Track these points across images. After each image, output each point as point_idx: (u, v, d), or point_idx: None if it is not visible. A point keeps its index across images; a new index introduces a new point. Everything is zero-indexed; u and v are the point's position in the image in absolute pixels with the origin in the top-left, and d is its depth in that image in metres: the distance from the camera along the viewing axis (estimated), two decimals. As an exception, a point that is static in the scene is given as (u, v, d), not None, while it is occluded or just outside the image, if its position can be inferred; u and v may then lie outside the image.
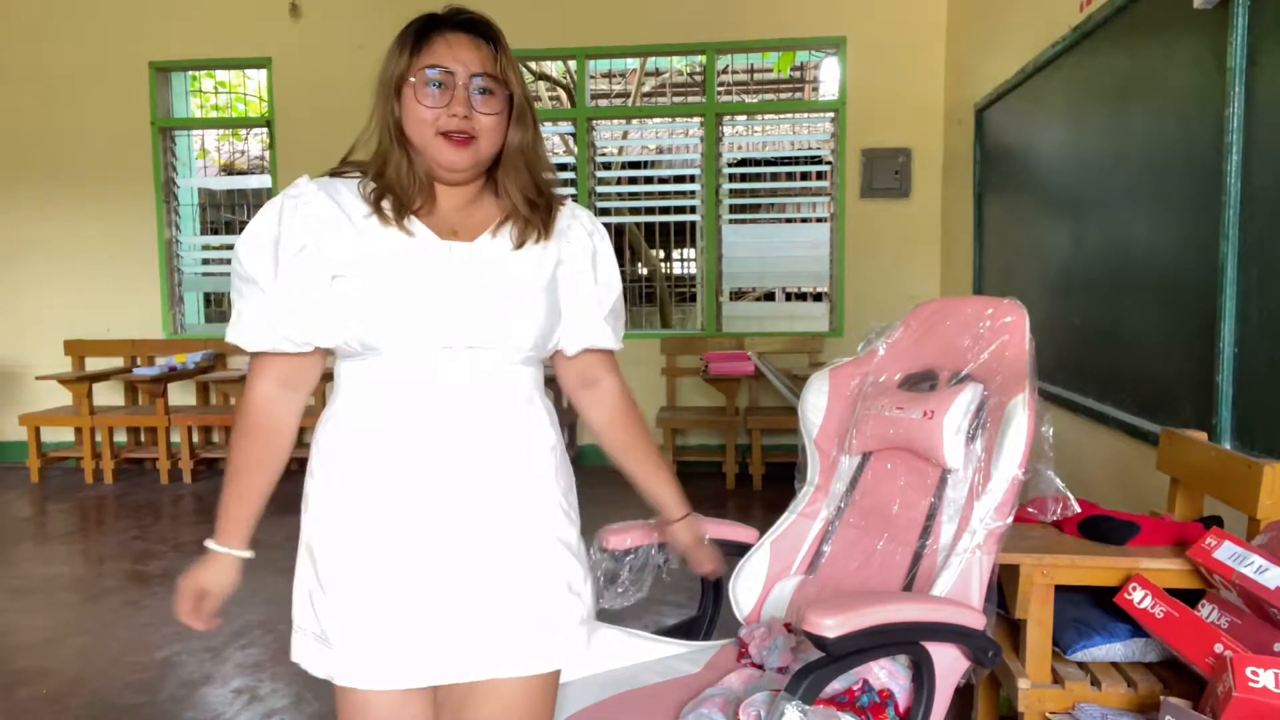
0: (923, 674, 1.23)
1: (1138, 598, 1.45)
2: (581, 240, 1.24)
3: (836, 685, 1.21)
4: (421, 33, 1.13)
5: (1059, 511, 1.59)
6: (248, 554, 1.22)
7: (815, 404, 1.68)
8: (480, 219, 1.19)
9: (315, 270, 1.12)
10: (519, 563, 1.14)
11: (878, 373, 1.63)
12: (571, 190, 5.10)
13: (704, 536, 1.42)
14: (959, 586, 1.31)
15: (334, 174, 1.19)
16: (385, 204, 1.14)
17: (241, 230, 1.19)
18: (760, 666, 1.45)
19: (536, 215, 1.18)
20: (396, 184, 1.14)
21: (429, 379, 1.12)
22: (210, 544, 1.20)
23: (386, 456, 1.13)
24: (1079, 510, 1.61)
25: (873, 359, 1.66)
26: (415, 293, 1.11)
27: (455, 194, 1.18)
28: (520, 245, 1.17)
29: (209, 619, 1.21)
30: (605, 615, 1.51)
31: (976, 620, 1.27)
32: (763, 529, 1.67)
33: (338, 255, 1.12)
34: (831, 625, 1.10)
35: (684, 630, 1.62)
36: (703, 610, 1.64)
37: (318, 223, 1.13)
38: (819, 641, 1.10)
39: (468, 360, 1.13)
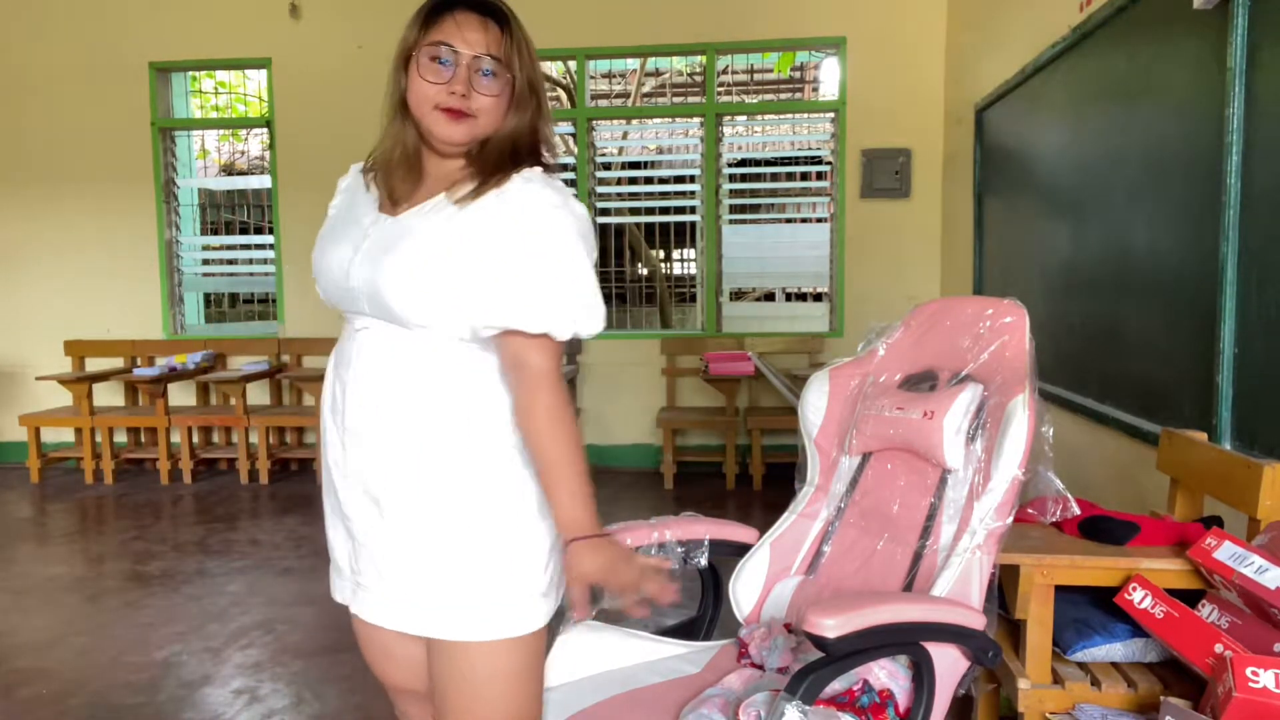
0: (923, 674, 1.23)
1: (1138, 598, 1.45)
2: (510, 211, 1.14)
3: (837, 685, 1.21)
4: (435, 10, 1.18)
5: (1059, 512, 1.59)
6: None
7: (815, 404, 1.68)
8: (426, 190, 1.22)
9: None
10: (407, 531, 1.18)
11: (878, 373, 1.63)
12: (571, 190, 5.09)
13: (593, 576, 1.14)
14: (959, 587, 1.31)
15: None
16: (364, 179, 1.26)
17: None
18: (760, 667, 1.45)
19: (483, 183, 1.16)
20: (387, 155, 1.22)
21: (347, 345, 1.22)
22: None
23: (326, 410, 1.25)
24: (1078, 511, 1.61)
25: (873, 359, 1.66)
26: (328, 264, 1.22)
27: (445, 164, 1.22)
28: (438, 206, 1.16)
29: None
30: (605, 615, 1.51)
31: (976, 620, 1.27)
32: (763, 529, 1.67)
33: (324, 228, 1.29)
34: (832, 625, 1.10)
35: (684, 630, 1.62)
36: (703, 610, 1.64)
37: (337, 197, 1.32)
38: (819, 642, 1.10)
39: (372, 331, 1.19)
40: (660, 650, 1.54)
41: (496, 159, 1.18)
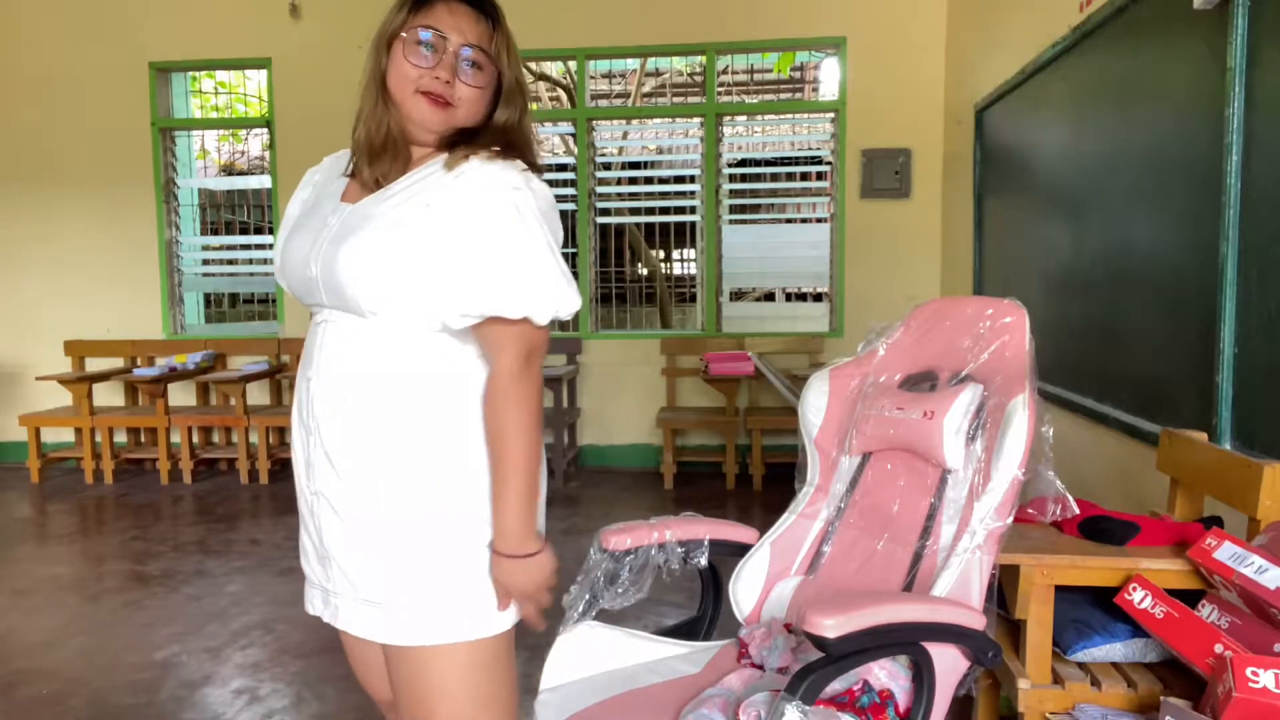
0: (923, 674, 1.23)
1: (1138, 598, 1.45)
2: (468, 191, 1.11)
3: (837, 685, 1.21)
4: None
5: (1058, 512, 1.59)
6: None
7: (815, 404, 1.68)
8: (391, 178, 1.20)
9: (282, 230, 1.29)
10: (361, 533, 1.15)
11: (878, 373, 1.63)
12: (571, 190, 5.11)
13: (529, 589, 1.15)
14: (959, 587, 1.31)
15: None
16: (342, 169, 1.26)
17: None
18: (760, 667, 1.45)
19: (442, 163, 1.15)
20: (370, 139, 1.18)
21: (310, 340, 1.21)
22: None
23: (295, 410, 1.22)
24: (1078, 511, 1.61)
25: (873, 359, 1.66)
26: (290, 255, 1.21)
27: (425, 156, 1.20)
28: (397, 190, 1.15)
29: None
30: (605, 615, 1.51)
31: (977, 620, 1.27)
32: (763, 529, 1.67)
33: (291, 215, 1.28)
34: (832, 625, 1.10)
35: (684, 630, 1.62)
36: (703, 610, 1.64)
37: (306, 188, 1.30)
38: (819, 642, 1.10)
39: (334, 323, 1.16)
40: (660, 650, 1.54)
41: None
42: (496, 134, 1.17)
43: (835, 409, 1.66)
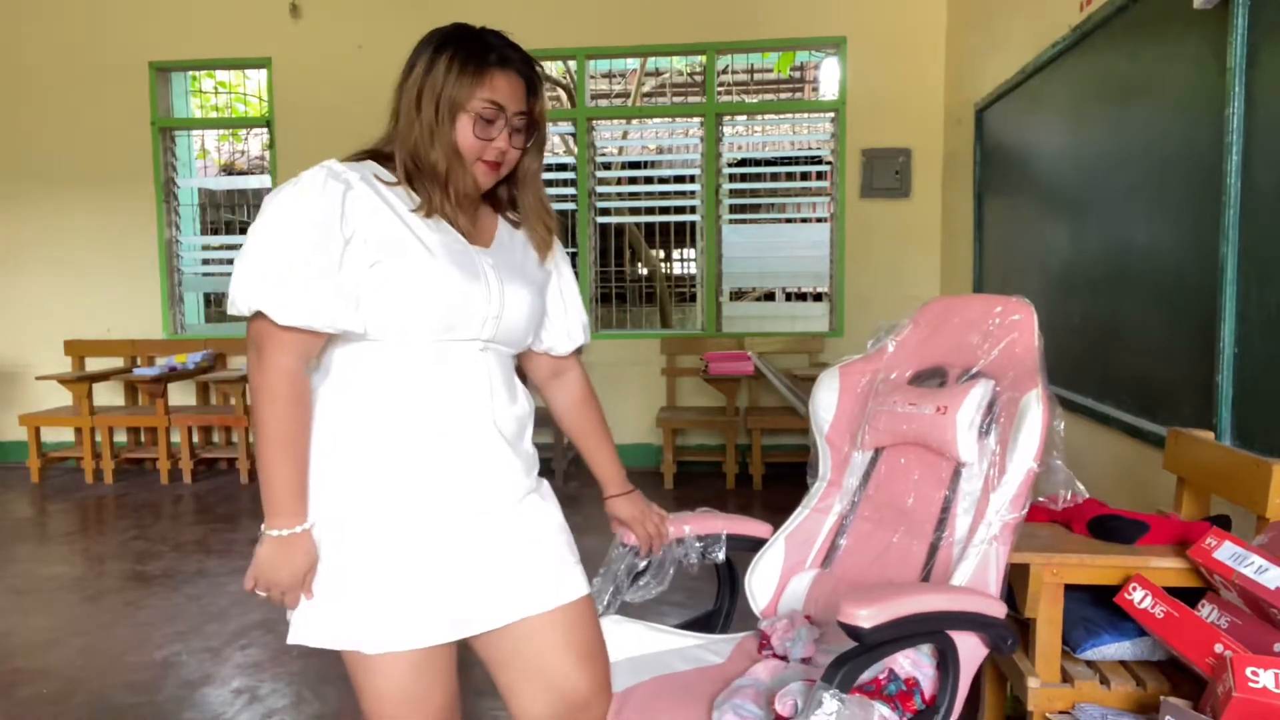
0: (947, 662, 1.25)
1: (1138, 597, 1.45)
2: (560, 251, 1.42)
3: (863, 675, 1.23)
4: (483, 63, 1.20)
5: (1068, 499, 1.59)
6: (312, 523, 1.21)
7: (826, 401, 1.69)
8: (485, 226, 1.31)
9: (359, 259, 1.16)
10: (528, 520, 1.30)
11: (888, 370, 1.65)
12: (571, 190, 5.11)
13: (643, 514, 1.53)
14: (977, 577, 1.33)
15: (359, 160, 1.25)
16: (431, 202, 1.22)
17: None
18: (783, 658, 1.47)
19: (552, 234, 1.38)
20: (447, 187, 1.22)
21: (442, 367, 1.22)
22: (285, 531, 1.17)
23: (404, 441, 1.20)
24: (1087, 494, 1.61)
25: (882, 356, 1.67)
26: (448, 290, 1.20)
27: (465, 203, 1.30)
28: (536, 256, 1.37)
29: (310, 589, 1.25)
30: (624, 609, 1.53)
31: (998, 609, 1.29)
32: (768, 527, 1.68)
33: (379, 243, 1.17)
34: (866, 616, 1.12)
35: (701, 624, 1.65)
36: (719, 604, 1.66)
37: (365, 210, 1.17)
38: (854, 632, 1.13)
39: (477, 352, 1.25)
40: (681, 642, 1.56)
41: (537, 203, 1.35)
42: (532, 181, 1.33)
43: (846, 405, 1.68)
